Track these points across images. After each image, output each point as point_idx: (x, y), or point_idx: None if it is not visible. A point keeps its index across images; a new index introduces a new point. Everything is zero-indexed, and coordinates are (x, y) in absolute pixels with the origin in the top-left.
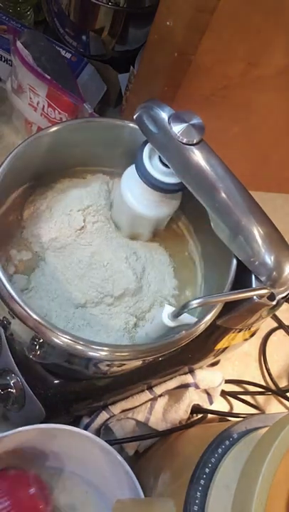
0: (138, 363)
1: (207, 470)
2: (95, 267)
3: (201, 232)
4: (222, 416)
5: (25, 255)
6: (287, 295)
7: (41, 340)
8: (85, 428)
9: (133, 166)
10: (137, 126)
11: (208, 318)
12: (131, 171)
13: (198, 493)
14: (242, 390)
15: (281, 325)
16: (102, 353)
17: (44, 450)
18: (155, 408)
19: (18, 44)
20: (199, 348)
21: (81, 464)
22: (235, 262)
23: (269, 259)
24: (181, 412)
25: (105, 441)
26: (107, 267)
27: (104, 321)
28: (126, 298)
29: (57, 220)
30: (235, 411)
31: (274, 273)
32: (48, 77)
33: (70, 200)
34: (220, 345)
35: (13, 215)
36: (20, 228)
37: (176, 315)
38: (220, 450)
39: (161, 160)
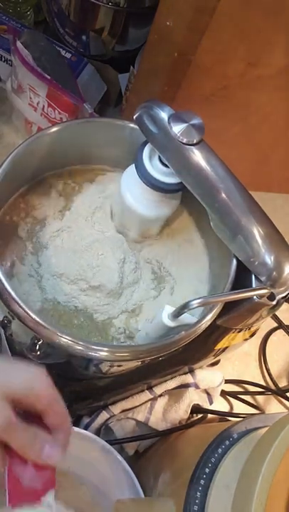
0: (138, 363)
1: (207, 470)
2: (90, 251)
3: (202, 231)
4: (222, 416)
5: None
6: (287, 295)
7: (41, 341)
8: (85, 428)
9: (133, 166)
10: (137, 126)
11: (208, 318)
12: (131, 171)
13: (198, 493)
14: (242, 390)
15: (281, 325)
16: (101, 354)
17: None
18: (155, 408)
19: (18, 44)
20: (199, 348)
21: (81, 464)
22: (235, 262)
23: (269, 259)
24: (181, 412)
25: (105, 441)
26: (99, 257)
27: (68, 302)
28: (98, 294)
29: (94, 200)
30: (235, 411)
31: (274, 273)
32: (48, 77)
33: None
34: (220, 345)
35: (13, 216)
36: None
37: (176, 315)
38: (220, 450)
39: (161, 160)
